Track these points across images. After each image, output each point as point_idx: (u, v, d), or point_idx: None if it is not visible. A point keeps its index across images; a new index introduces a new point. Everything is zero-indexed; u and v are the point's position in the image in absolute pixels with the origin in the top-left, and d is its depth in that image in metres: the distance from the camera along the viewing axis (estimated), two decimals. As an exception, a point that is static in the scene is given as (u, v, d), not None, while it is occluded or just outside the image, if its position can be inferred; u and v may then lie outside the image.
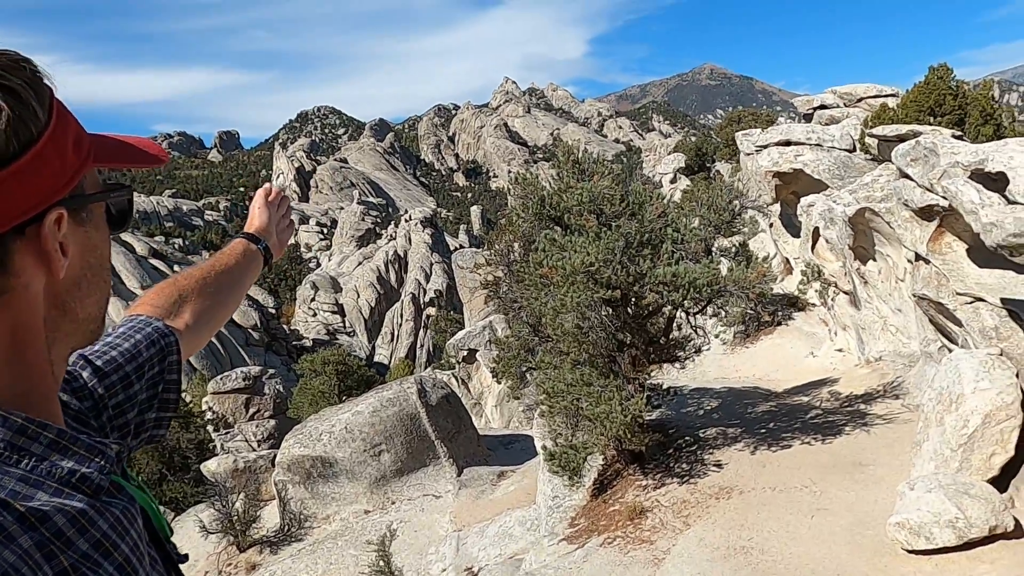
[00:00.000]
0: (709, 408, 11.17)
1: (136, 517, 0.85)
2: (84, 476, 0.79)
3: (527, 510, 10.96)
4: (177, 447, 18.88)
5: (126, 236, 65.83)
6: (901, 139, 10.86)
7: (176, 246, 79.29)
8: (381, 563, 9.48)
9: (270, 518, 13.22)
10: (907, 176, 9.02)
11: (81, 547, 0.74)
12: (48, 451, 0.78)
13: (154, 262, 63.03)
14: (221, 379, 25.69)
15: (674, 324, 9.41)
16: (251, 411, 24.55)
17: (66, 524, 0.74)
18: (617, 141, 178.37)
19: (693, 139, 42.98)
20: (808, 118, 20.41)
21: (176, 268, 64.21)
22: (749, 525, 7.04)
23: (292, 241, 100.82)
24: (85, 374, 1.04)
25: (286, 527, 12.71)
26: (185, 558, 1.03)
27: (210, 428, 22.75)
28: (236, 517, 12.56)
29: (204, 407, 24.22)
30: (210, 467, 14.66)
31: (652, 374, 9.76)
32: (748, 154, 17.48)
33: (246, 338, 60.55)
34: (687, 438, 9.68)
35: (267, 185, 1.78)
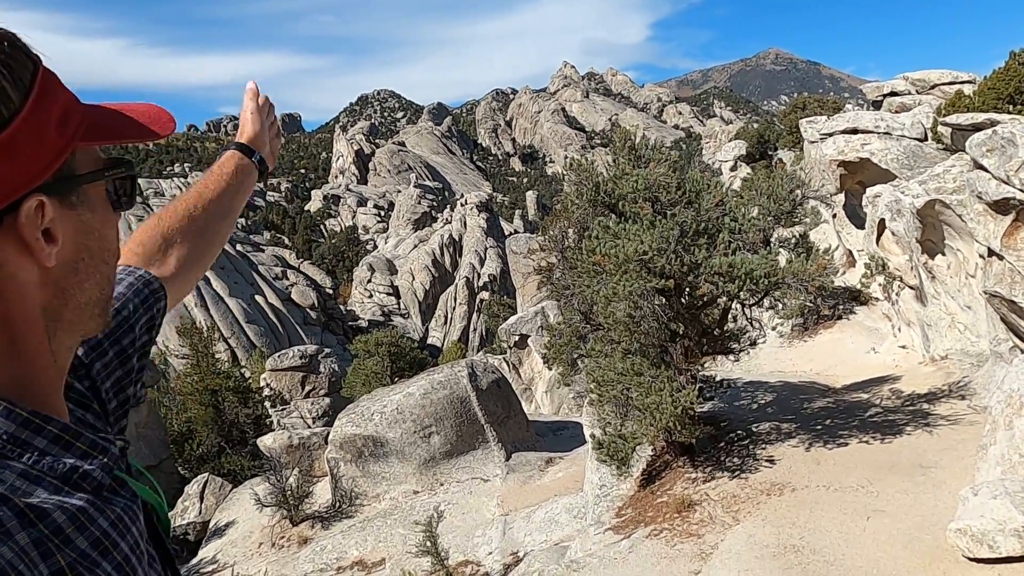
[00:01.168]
0: (763, 402, 10.93)
1: (138, 515, 0.84)
2: (86, 473, 0.78)
3: (574, 497, 10.95)
4: (235, 421, 19.44)
5: (192, 215, 67.69)
6: (977, 128, 10.36)
7: (239, 225, 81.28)
8: (428, 543, 9.60)
9: (322, 494, 13.52)
10: (982, 167, 8.61)
11: (80, 545, 0.73)
12: (51, 446, 0.76)
13: (218, 241, 64.73)
14: (279, 357, 26.36)
15: (729, 315, 9.22)
16: (307, 389, 25.13)
17: (65, 521, 0.72)
18: (676, 127, 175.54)
19: (755, 126, 41.94)
20: (877, 105, 19.66)
21: (238, 247, 65.89)
22: (801, 524, 6.87)
23: (350, 222, 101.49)
24: (80, 351, 0.99)
25: (337, 503, 12.98)
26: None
27: (267, 404, 23.38)
28: (289, 492, 12.88)
29: (262, 383, 24.89)
30: (266, 442, 15.05)
31: (705, 365, 9.59)
32: (812, 142, 16.95)
33: (304, 317, 61.91)
34: (739, 432, 9.49)
35: (252, 83, 1.60)
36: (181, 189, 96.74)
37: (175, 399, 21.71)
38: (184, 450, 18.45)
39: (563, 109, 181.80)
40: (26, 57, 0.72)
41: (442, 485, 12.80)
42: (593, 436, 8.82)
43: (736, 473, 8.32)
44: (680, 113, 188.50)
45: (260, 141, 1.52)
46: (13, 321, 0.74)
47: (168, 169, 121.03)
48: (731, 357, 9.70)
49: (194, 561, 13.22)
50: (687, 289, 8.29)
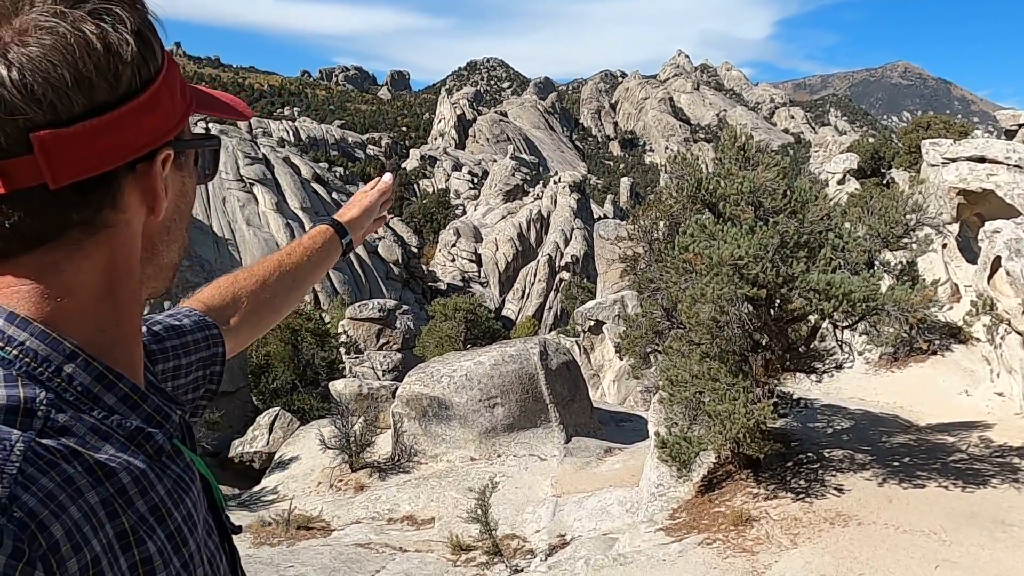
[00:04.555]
0: (839, 428, 10.54)
1: (191, 485, 0.84)
2: (149, 435, 0.79)
3: (629, 491, 10.88)
4: (310, 362, 20.15)
5: (294, 158, 69.89)
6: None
7: (337, 174, 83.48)
8: (479, 511, 9.74)
9: (383, 446, 13.87)
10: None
11: (140, 509, 0.73)
12: (119, 404, 0.77)
13: (316, 186, 66.74)
14: (358, 307, 27.11)
15: (818, 334, 8.89)
16: (381, 341, 25.78)
17: (130, 483, 0.73)
18: (786, 131, 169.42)
19: (871, 140, 39.98)
20: (1011, 135, 18.43)
21: (334, 195, 67.70)
22: (863, 560, 6.62)
23: (443, 185, 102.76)
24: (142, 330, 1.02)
25: (396, 457, 13.31)
26: (238, 530, 1.02)
27: (342, 350, 24.13)
28: (353, 439, 13.28)
29: (340, 330, 25.67)
30: (337, 387, 15.53)
31: (784, 381, 9.31)
32: (933, 165, 16.04)
33: (387, 272, 63.32)
34: (810, 454, 9.19)
35: (389, 178, 1.75)
36: (288, 132, 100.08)
37: (257, 332, 22.59)
38: (260, 382, 19.26)
39: (670, 98, 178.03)
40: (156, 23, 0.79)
41: (499, 457, 12.94)
42: (657, 434, 8.71)
43: (800, 496, 8.08)
44: (792, 117, 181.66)
45: (357, 225, 1.63)
46: (116, 266, 0.77)
47: (278, 111, 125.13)
48: (813, 377, 9.37)
49: (256, 489, 13.84)
50: (778, 301, 8.02)
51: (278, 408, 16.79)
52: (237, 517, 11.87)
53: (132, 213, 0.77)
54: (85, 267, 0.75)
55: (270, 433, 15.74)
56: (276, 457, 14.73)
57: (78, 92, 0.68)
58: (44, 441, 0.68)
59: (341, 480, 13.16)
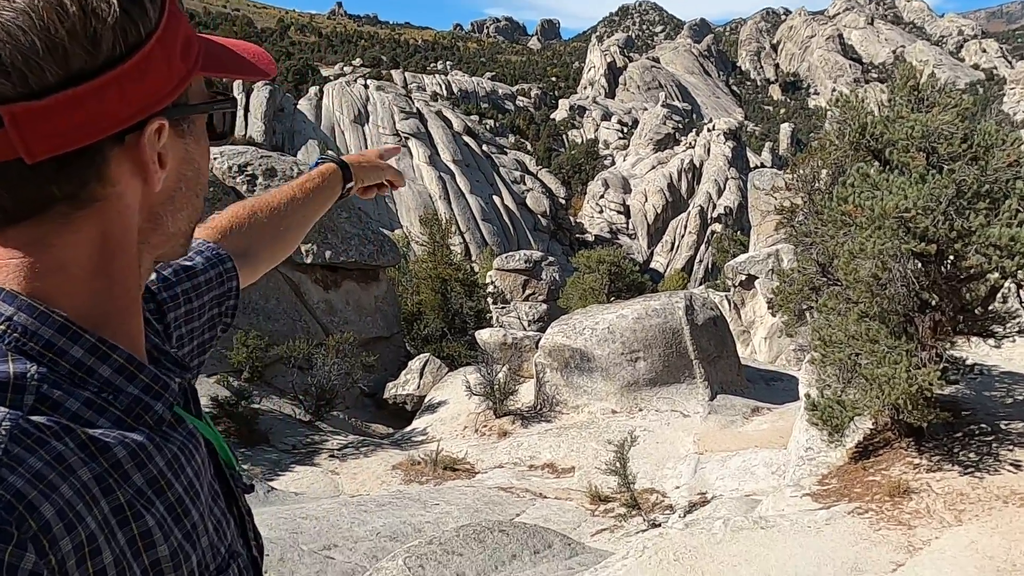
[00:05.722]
0: (1021, 398, 9.54)
1: (194, 453, 0.82)
2: (148, 406, 0.77)
3: (775, 453, 10.49)
4: (459, 311, 20.83)
5: (446, 112, 71.45)
6: None
7: (487, 127, 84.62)
8: (618, 464, 9.76)
9: (525, 395, 14.18)
10: None
11: (136, 482, 0.72)
12: (115, 376, 0.75)
13: (467, 139, 68.06)
14: (506, 257, 27.64)
15: (998, 294, 8.01)
16: (527, 292, 26.19)
17: (125, 457, 0.71)
18: (976, 67, 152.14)
19: (1082, 74, 34.91)
20: None
21: (484, 147, 68.79)
22: (1040, 543, 6.01)
23: (592, 135, 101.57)
24: (151, 276, 0.99)
25: (538, 406, 13.58)
26: (251, 488, 0.99)
27: (489, 300, 24.76)
28: (497, 386, 13.67)
29: (487, 280, 26.33)
30: (483, 336, 15.98)
31: (956, 345, 8.51)
32: None
33: (534, 223, 63.92)
34: (983, 425, 8.39)
35: (399, 148, 1.76)
36: (441, 86, 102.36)
37: (411, 281, 23.68)
38: (412, 329, 20.18)
39: (840, 36, 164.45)
40: None
41: (640, 411, 12.86)
42: (808, 396, 8.27)
43: (969, 470, 7.42)
44: (984, 51, 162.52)
45: (360, 169, 1.57)
46: (110, 240, 0.74)
47: (431, 66, 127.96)
48: (991, 341, 8.49)
49: (407, 429, 14.64)
50: (951, 257, 7.28)
51: (428, 354, 17.56)
52: (390, 455, 12.65)
53: (124, 186, 0.72)
54: (74, 241, 0.71)
55: (420, 377, 16.52)
56: (426, 400, 15.47)
57: (51, 61, 0.63)
58: (34, 418, 0.66)
59: (485, 425, 13.63)
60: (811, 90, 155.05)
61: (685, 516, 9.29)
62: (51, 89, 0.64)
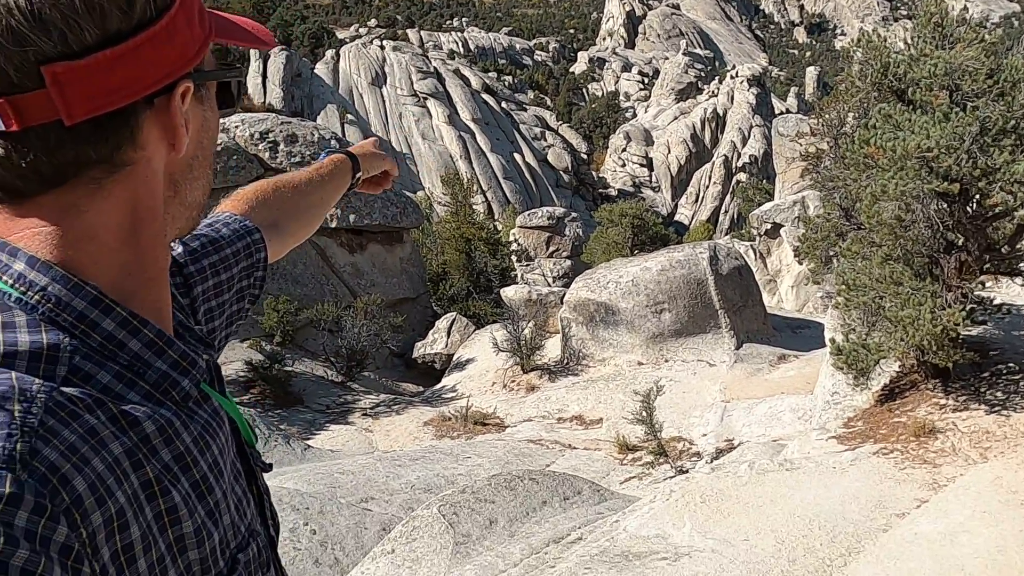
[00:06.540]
0: (1050, 336, 9.47)
1: (218, 431, 0.83)
2: (175, 381, 0.77)
3: (802, 398, 10.57)
4: (484, 270, 20.98)
5: (464, 70, 70.73)
6: None
7: (506, 83, 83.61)
8: (644, 413, 9.91)
9: (552, 349, 14.34)
10: None
11: (164, 458, 0.72)
12: (145, 350, 0.75)
13: (485, 96, 67.41)
14: (529, 215, 27.60)
15: (1025, 232, 7.91)
16: (551, 249, 26.21)
17: (154, 432, 0.72)
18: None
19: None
20: None
21: (503, 104, 68.13)
22: (1065, 477, 6.06)
23: (612, 88, 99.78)
24: (179, 249, 1.00)
25: (565, 360, 13.74)
26: (269, 467, 0.99)
27: (513, 258, 24.86)
28: (524, 342, 13.83)
29: (511, 238, 26.38)
30: (508, 293, 16.12)
31: (983, 285, 8.45)
32: None
33: (557, 179, 63.52)
34: (1011, 364, 8.37)
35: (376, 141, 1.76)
36: (457, 44, 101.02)
37: (435, 241, 23.81)
38: (438, 289, 20.39)
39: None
40: None
41: (667, 361, 12.96)
42: (833, 340, 8.30)
43: (996, 408, 7.44)
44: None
45: (365, 159, 1.57)
46: (139, 207, 0.74)
47: (447, 23, 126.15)
48: (1019, 280, 8.43)
49: (437, 387, 14.92)
50: (976, 196, 7.20)
51: (455, 313, 17.76)
52: (421, 412, 12.94)
53: (152, 150, 0.73)
54: (106, 208, 0.72)
55: (448, 336, 16.75)
56: (454, 359, 15.71)
57: (89, 20, 0.64)
58: (66, 390, 0.66)
59: (513, 381, 13.84)
60: (838, 31, 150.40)
61: (712, 462, 9.44)
62: (90, 49, 0.65)
